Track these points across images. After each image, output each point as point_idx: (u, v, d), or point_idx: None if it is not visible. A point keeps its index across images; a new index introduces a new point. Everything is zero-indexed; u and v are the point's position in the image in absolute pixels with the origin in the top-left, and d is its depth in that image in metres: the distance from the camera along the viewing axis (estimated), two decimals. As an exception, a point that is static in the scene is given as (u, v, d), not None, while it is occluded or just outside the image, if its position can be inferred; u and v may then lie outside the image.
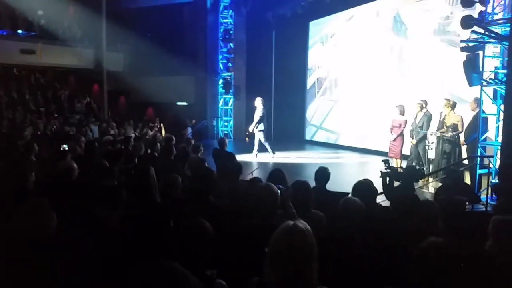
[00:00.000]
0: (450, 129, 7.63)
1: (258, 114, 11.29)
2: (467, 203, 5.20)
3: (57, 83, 19.24)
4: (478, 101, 7.07)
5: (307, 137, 15.51)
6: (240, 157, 9.92)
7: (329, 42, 14.50)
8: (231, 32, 16.32)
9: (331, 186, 4.71)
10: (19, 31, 16.66)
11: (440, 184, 6.49)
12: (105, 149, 6.93)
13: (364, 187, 3.56)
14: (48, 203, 2.80)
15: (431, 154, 8.38)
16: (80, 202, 3.42)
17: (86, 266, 2.48)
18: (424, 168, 7.99)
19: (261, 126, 11.23)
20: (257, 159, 11.12)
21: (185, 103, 17.83)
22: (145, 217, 2.38)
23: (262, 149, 11.38)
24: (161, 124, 14.92)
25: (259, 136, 11.32)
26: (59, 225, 2.83)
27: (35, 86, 18.60)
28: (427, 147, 8.15)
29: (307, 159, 11.71)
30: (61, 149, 6.71)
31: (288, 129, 11.57)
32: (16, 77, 18.31)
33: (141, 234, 2.28)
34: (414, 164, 8.16)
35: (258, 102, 11.47)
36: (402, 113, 8.86)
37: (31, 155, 6.23)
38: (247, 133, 16.19)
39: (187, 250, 2.24)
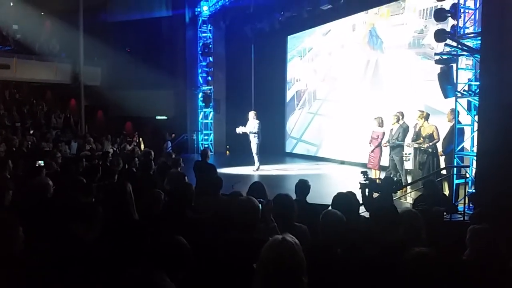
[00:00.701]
0: (426, 139, 7.78)
1: (253, 126, 11.29)
2: (445, 213, 5.28)
3: (33, 98, 18.90)
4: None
5: (287, 149, 15.57)
6: (224, 170, 9.93)
7: (307, 56, 14.69)
8: (210, 46, 16.37)
9: (312, 198, 4.71)
10: (-6, 46, 16.39)
11: (417, 194, 6.57)
12: (82, 164, 6.79)
13: (343, 199, 3.57)
14: (14, 218, 2.71)
15: (408, 165, 8.51)
16: (55, 219, 3.33)
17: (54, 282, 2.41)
18: (402, 179, 8.09)
19: (256, 139, 11.26)
20: (258, 172, 11.13)
21: (164, 117, 17.72)
22: (121, 235, 2.34)
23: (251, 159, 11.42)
24: (140, 139, 14.78)
25: (253, 148, 11.33)
26: (32, 241, 2.74)
27: (10, 101, 18.21)
28: (404, 158, 8.27)
29: (288, 171, 11.73)
30: (36, 165, 6.54)
31: (268, 141, 11.60)
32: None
33: (116, 251, 2.24)
34: (392, 175, 8.26)
35: (251, 115, 11.49)
36: (381, 124, 8.99)
37: (5, 172, 6.06)
38: (228, 146, 16.19)
39: (163, 267, 2.21)
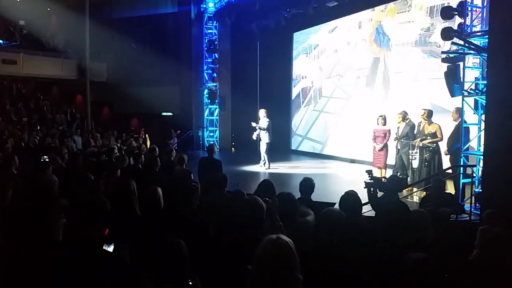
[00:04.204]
0: (429, 137, 7.76)
1: (265, 123, 11.29)
2: (451, 213, 5.25)
3: (39, 93, 18.98)
4: (460, 111, 7.17)
5: (293, 147, 15.55)
6: (230, 167, 9.93)
7: (313, 53, 14.64)
8: (216, 42, 16.35)
9: (316, 196, 4.70)
10: (0, 41, 16.44)
11: (424, 194, 6.54)
12: (88, 161, 6.81)
13: (350, 199, 3.56)
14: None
15: (415, 164, 8.46)
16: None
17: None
18: (409, 178, 8.06)
19: (267, 138, 11.24)
20: (264, 170, 11.15)
21: (170, 114, 17.74)
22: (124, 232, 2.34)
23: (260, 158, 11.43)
24: (146, 135, 14.80)
25: (263, 146, 11.33)
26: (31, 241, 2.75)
27: (17, 96, 18.30)
28: (410, 157, 8.23)
29: (293, 169, 11.72)
30: (42, 160, 6.56)
31: (273, 139, 11.60)
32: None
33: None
34: (398, 174, 8.22)
35: (262, 113, 11.48)
36: (385, 123, 8.96)
37: (11, 168, 6.09)
38: (233, 143, 16.19)
39: (162, 269, 2.22)
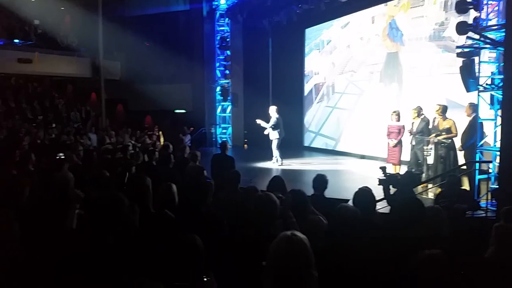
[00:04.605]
0: (443, 133, 7.68)
1: (272, 121, 11.31)
2: (467, 210, 5.19)
3: (54, 92, 19.23)
4: (474, 107, 7.08)
5: (306, 143, 15.52)
6: (242, 164, 9.95)
7: (325, 49, 14.56)
8: (228, 39, 16.37)
9: (329, 193, 4.69)
10: (16, 41, 16.67)
11: (439, 190, 6.47)
12: (104, 158, 6.89)
13: (364, 195, 3.54)
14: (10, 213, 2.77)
15: (430, 160, 8.38)
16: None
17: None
18: (424, 174, 7.98)
19: (276, 134, 11.25)
20: (276, 166, 11.16)
21: (183, 111, 17.83)
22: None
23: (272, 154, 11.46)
24: (160, 132, 14.91)
25: (273, 143, 11.35)
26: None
27: (32, 95, 18.57)
28: (425, 153, 8.15)
29: (306, 165, 11.69)
30: (58, 158, 6.63)
31: (286, 135, 11.60)
32: (13, 86, 18.28)
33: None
34: (413, 170, 8.15)
35: (272, 110, 11.47)
36: (399, 119, 8.88)
37: (28, 165, 6.19)
38: (245, 140, 16.21)
39: (176, 265, 2.23)
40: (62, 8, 17.48)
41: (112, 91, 17.87)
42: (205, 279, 2.20)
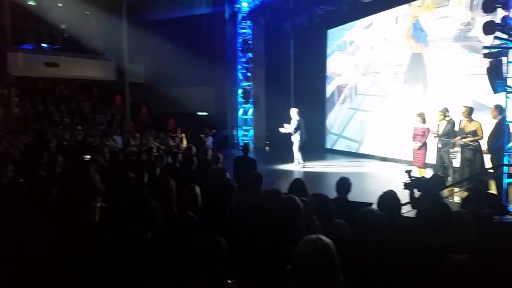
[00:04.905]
0: (469, 136, 7.53)
1: (293, 124, 11.32)
2: (494, 214, 5.06)
3: (80, 95, 19.66)
4: (499, 108, 6.93)
5: (328, 145, 15.41)
6: (264, 166, 9.97)
7: (347, 50, 14.45)
8: (250, 42, 16.41)
9: (353, 196, 4.65)
10: (44, 45, 17.10)
11: (465, 194, 6.34)
12: (129, 160, 6.99)
13: (389, 199, 3.50)
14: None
15: (456, 163, 8.21)
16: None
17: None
18: (450, 178, 7.83)
19: (298, 136, 11.24)
20: (298, 168, 11.15)
21: (205, 113, 17.96)
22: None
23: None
24: (183, 134, 15.05)
25: (294, 145, 11.34)
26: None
27: (59, 98, 19.03)
28: (451, 155, 7.99)
29: (328, 168, 11.62)
30: (84, 160, 6.76)
31: (308, 137, 11.56)
32: (41, 90, 18.78)
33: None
34: (439, 173, 8.01)
35: (294, 112, 11.48)
36: (424, 121, 8.74)
37: (56, 167, 6.36)
38: (267, 142, 16.22)
39: (202, 266, 2.23)
40: (88, 13, 17.86)
41: (136, 94, 18.17)
42: (229, 282, 2.20)
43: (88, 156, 6.95)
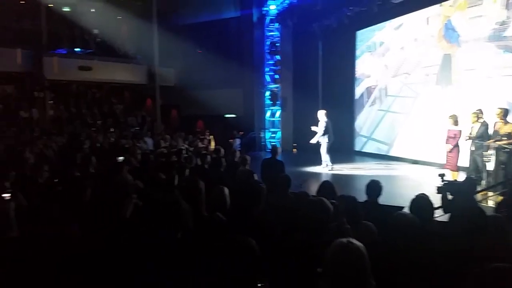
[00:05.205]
0: (504, 138, 7.31)
1: (321, 126, 11.28)
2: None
3: (112, 97, 20.15)
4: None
5: (357, 148, 15.23)
6: (292, 168, 9.96)
7: (377, 51, 14.26)
8: (278, 44, 16.43)
9: (383, 199, 4.59)
10: (77, 49, 17.63)
11: (500, 198, 6.15)
12: (159, 161, 7.11)
13: (422, 202, 3.43)
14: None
15: (490, 166, 7.98)
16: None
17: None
18: (484, 181, 7.61)
19: (326, 138, 11.21)
20: (326, 171, 11.12)
21: (233, 115, 18.08)
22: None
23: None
24: (211, 136, 15.20)
25: (322, 147, 11.30)
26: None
27: (92, 101, 19.56)
28: (485, 158, 7.77)
29: (357, 170, 11.50)
30: (117, 161, 6.90)
31: (336, 140, 11.46)
32: (74, 93, 19.36)
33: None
34: (472, 176, 7.80)
35: (321, 114, 11.44)
36: (456, 123, 8.53)
37: (89, 168, 6.54)
38: (295, 144, 16.18)
39: (233, 268, 2.23)
40: (119, 18, 18.30)
41: (166, 97, 18.50)
42: (259, 285, 2.18)
43: (121, 158, 7.07)
